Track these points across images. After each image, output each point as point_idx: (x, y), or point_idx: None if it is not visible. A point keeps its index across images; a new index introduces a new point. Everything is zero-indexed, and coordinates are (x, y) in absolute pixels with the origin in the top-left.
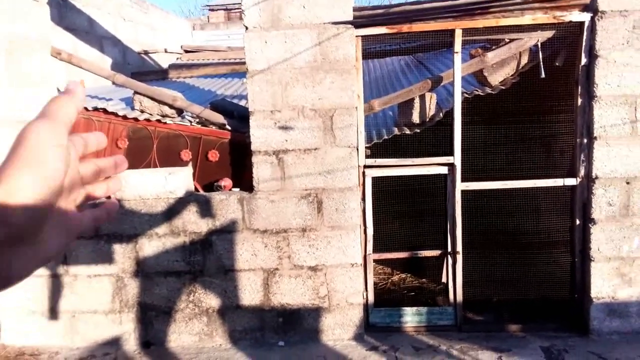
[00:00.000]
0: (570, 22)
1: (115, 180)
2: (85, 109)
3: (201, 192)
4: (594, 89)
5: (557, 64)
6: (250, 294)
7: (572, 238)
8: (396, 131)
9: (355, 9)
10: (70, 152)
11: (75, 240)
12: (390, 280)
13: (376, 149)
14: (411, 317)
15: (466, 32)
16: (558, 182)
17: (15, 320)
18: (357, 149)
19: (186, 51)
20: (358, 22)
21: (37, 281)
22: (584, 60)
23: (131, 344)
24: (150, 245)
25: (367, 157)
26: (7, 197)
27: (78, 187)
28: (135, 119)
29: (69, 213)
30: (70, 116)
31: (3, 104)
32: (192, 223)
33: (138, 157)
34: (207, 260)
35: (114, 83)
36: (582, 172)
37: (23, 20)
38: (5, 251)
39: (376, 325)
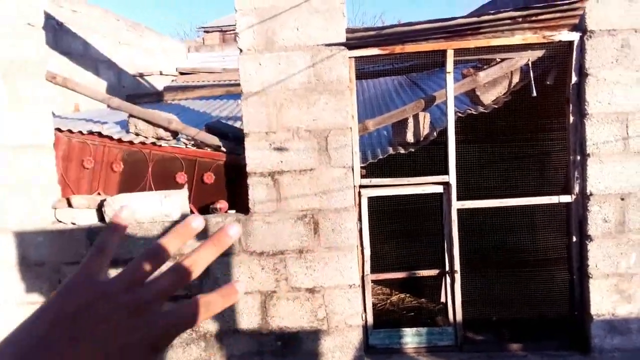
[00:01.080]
0: (560, 41)
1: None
2: (80, 132)
3: (197, 214)
4: (585, 106)
5: (548, 82)
6: (248, 317)
7: (569, 255)
8: (391, 151)
9: (348, 31)
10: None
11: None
12: (389, 301)
13: (371, 169)
14: (411, 338)
15: (458, 52)
16: (553, 199)
17: None
18: (353, 169)
19: (181, 73)
20: (351, 44)
21: (31, 309)
22: (574, 79)
23: None
24: None
25: (362, 177)
26: None
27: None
28: (131, 142)
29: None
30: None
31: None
32: (188, 247)
33: (133, 181)
34: (204, 284)
35: (109, 106)
36: (576, 189)
37: (19, 44)
38: None
39: (376, 347)
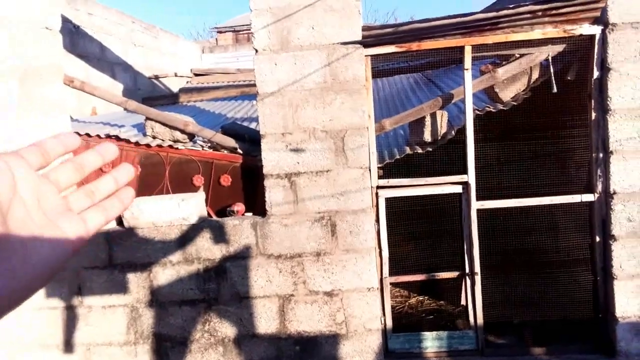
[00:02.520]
0: (581, 35)
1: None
2: (98, 136)
3: (214, 217)
4: (608, 102)
5: (569, 78)
6: (266, 321)
7: (592, 256)
8: (408, 150)
9: (364, 29)
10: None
11: (78, 249)
12: (407, 304)
13: (389, 169)
14: (431, 342)
15: (476, 48)
16: (575, 198)
17: (32, 354)
18: (370, 170)
19: (196, 74)
20: (367, 42)
21: (52, 313)
22: (596, 74)
23: None
24: (164, 273)
25: (379, 177)
26: None
27: (52, 196)
28: (148, 145)
29: (50, 225)
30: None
31: (16, 133)
32: (206, 250)
33: (151, 184)
34: (222, 288)
35: (125, 109)
36: (599, 187)
37: (36, 48)
38: None
39: (395, 352)
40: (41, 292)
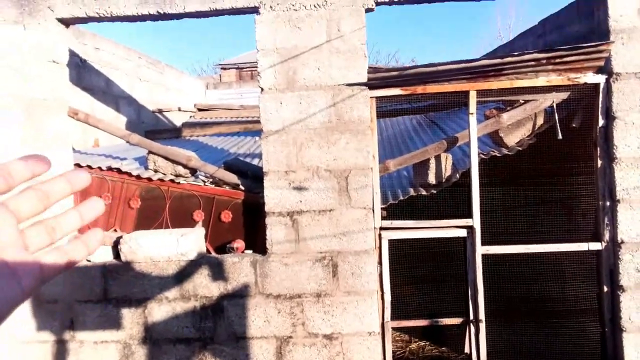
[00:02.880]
0: (585, 83)
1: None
2: (100, 168)
3: (213, 254)
4: (614, 151)
5: (574, 125)
6: None
7: (600, 306)
8: (412, 192)
9: (369, 71)
10: None
11: (29, 295)
12: (408, 349)
13: (392, 210)
14: None
15: (480, 93)
16: (582, 246)
17: None
18: (373, 210)
19: (199, 109)
20: (373, 84)
21: (42, 347)
22: (601, 122)
23: None
24: (160, 310)
25: (383, 218)
26: None
27: (8, 228)
28: (149, 179)
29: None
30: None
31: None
32: (204, 287)
33: (150, 218)
34: (218, 327)
35: (128, 142)
36: (606, 236)
37: (42, 81)
38: None
39: None
40: (33, 325)
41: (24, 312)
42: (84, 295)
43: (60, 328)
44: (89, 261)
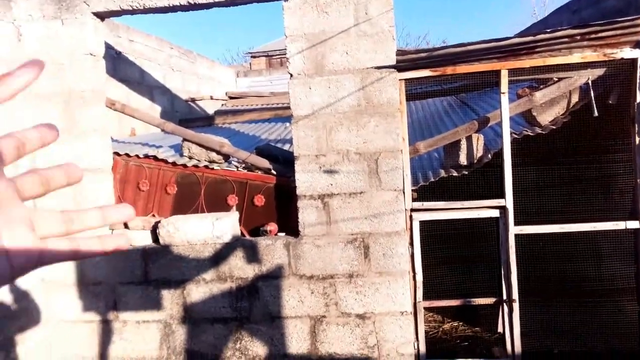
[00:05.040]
0: (622, 59)
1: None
2: (137, 156)
3: (247, 237)
4: None
5: (610, 101)
6: (297, 342)
7: (638, 285)
8: (443, 173)
9: (398, 53)
10: None
11: (26, 269)
12: (441, 329)
13: (423, 192)
14: None
15: (512, 72)
16: (619, 225)
17: None
18: (404, 192)
19: (231, 97)
20: (401, 66)
21: (88, 326)
22: (639, 98)
23: None
24: (198, 291)
25: (413, 200)
26: None
27: (12, 204)
28: (184, 165)
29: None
30: None
31: (59, 154)
32: (239, 268)
33: (186, 203)
34: (254, 307)
35: (163, 130)
36: None
37: (80, 73)
38: None
39: None
40: (79, 306)
41: (70, 294)
42: (125, 278)
43: (105, 308)
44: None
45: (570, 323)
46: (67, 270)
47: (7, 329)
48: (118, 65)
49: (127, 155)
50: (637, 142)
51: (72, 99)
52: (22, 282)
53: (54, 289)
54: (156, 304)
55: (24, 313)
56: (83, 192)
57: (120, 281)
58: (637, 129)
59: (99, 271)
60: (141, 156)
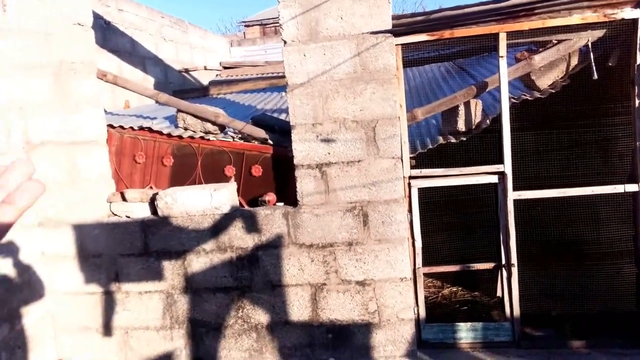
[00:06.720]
0: (622, 19)
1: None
2: (132, 128)
3: (246, 207)
4: None
5: (610, 64)
6: (298, 309)
7: (636, 247)
8: (441, 140)
9: (394, 17)
10: None
11: None
12: (440, 294)
13: (421, 159)
14: (466, 333)
15: (510, 35)
16: (618, 188)
17: (71, 336)
18: (402, 160)
19: (225, 67)
20: (397, 31)
21: (91, 298)
22: (639, 60)
23: None
24: (198, 261)
25: (412, 167)
26: None
27: None
28: (180, 137)
29: None
30: None
31: (52, 127)
32: (238, 238)
33: (183, 174)
34: (254, 276)
35: (157, 102)
36: None
37: (69, 44)
38: None
39: (429, 342)
40: (80, 278)
41: (72, 266)
42: (125, 249)
43: (107, 280)
44: (128, 217)
45: (568, 286)
46: (66, 244)
47: (10, 301)
48: (108, 35)
49: (122, 127)
50: (636, 104)
51: (63, 70)
52: (22, 255)
53: (54, 261)
54: (157, 275)
55: (27, 286)
56: (78, 165)
57: (121, 253)
58: (636, 91)
59: (98, 243)
60: (136, 128)
